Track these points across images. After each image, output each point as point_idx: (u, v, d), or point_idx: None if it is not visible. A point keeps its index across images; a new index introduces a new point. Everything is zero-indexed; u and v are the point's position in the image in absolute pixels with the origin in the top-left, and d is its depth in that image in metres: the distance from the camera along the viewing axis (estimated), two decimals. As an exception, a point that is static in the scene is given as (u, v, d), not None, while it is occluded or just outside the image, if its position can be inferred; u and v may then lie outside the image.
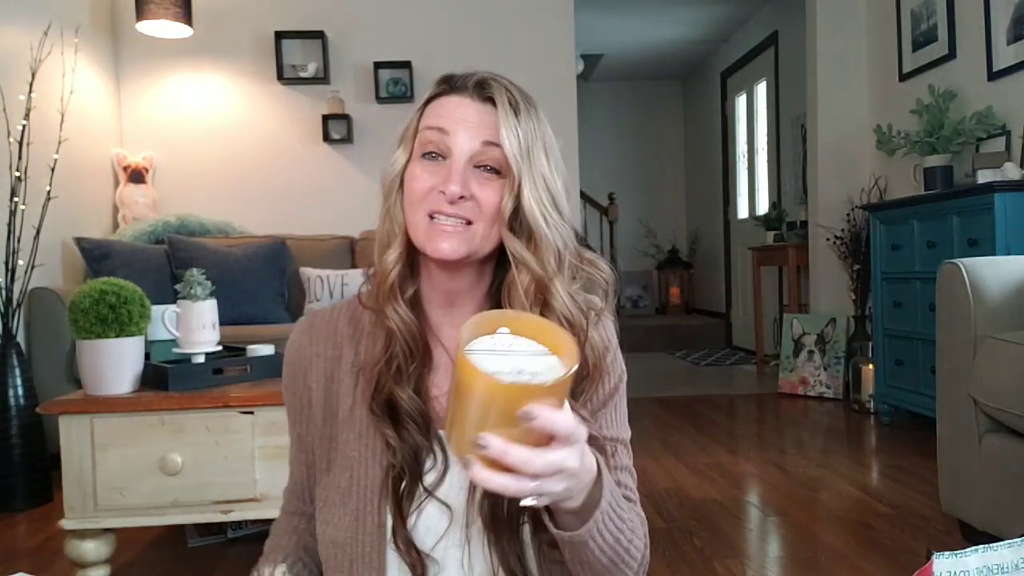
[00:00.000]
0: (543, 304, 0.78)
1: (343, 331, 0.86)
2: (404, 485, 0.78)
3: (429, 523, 0.79)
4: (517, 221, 0.78)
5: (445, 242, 0.76)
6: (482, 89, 0.78)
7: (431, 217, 0.77)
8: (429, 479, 0.79)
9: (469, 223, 0.77)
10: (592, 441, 0.79)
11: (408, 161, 0.80)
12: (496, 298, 0.84)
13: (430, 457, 0.80)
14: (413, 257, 0.81)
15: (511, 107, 0.77)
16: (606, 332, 0.86)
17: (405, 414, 0.79)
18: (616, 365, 0.87)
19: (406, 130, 0.81)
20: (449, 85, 0.80)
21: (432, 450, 0.80)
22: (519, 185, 0.76)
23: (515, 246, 0.78)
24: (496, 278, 0.84)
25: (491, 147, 0.76)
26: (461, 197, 0.76)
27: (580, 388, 0.81)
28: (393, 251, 0.80)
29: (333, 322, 0.87)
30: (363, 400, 0.81)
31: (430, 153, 0.78)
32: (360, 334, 0.84)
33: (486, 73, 0.80)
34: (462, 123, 0.77)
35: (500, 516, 0.77)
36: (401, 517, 0.78)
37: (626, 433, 0.87)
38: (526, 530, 0.78)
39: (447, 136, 0.77)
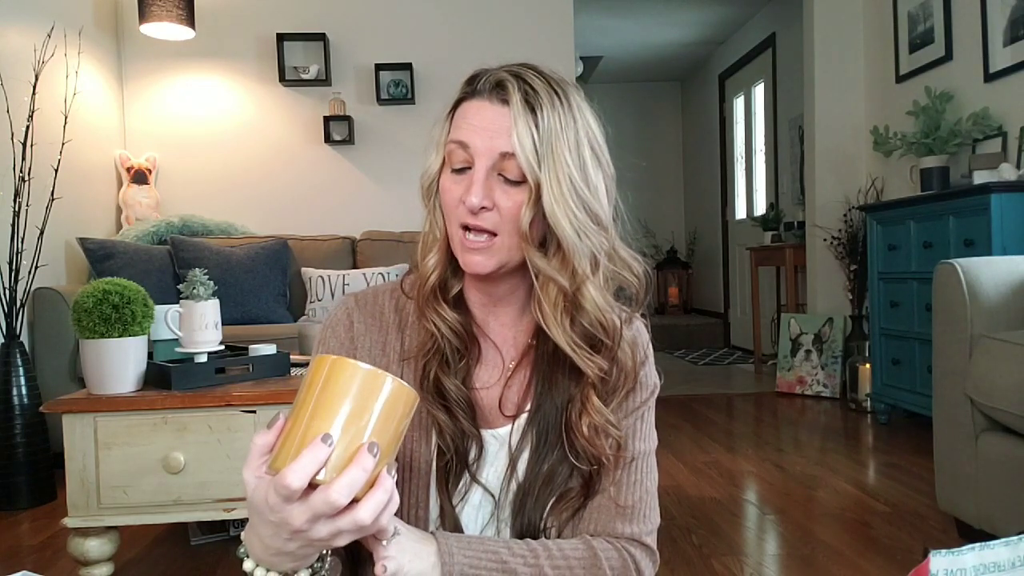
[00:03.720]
0: (575, 309, 0.76)
1: (389, 317, 0.84)
2: (452, 469, 0.79)
3: (471, 511, 0.81)
4: (542, 229, 0.75)
5: (473, 257, 0.75)
6: (499, 90, 0.74)
7: (464, 230, 0.76)
8: (473, 469, 0.80)
9: (494, 235, 0.75)
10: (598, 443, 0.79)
11: (441, 168, 0.78)
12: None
13: (473, 448, 0.81)
14: (455, 259, 0.80)
15: (526, 105, 0.72)
16: (642, 343, 0.85)
17: (453, 402, 0.79)
18: (649, 378, 0.86)
19: (438, 135, 0.79)
20: (472, 88, 0.77)
21: (480, 440, 0.81)
22: (538, 191, 0.73)
23: (535, 259, 0.75)
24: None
25: (509, 157, 0.73)
26: (483, 208, 0.74)
27: (611, 397, 0.81)
28: (433, 256, 0.80)
29: (379, 306, 0.85)
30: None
31: (457, 167, 0.76)
32: (404, 323, 0.84)
33: (506, 69, 0.75)
34: (480, 133, 0.74)
35: (528, 506, 0.79)
36: (450, 502, 0.79)
37: (647, 444, 0.85)
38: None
39: (468, 149, 0.74)
